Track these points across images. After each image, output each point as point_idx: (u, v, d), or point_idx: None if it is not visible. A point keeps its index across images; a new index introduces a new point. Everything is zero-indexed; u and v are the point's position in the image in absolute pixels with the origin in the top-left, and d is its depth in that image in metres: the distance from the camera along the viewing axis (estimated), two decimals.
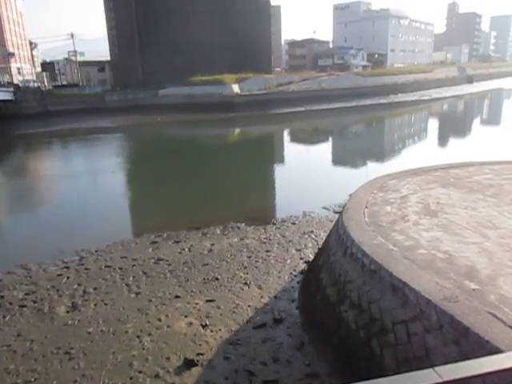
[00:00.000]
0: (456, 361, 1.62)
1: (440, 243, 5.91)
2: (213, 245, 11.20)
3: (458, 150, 27.49)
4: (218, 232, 12.37)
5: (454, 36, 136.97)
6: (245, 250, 10.68)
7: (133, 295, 8.45)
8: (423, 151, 27.93)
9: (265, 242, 11.17)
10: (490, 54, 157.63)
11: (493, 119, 48.81)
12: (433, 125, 44.94)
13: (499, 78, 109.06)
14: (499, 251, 5.63)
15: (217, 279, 8.99)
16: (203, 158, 27.09)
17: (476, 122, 46.17)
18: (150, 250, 11.14)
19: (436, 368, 1.47)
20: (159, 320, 7.38)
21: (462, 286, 4.69)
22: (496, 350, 3.54)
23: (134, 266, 9.99)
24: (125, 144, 37.28)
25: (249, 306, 7.79)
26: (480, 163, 11.21)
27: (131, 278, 9.25)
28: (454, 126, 43.24)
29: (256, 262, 9.89)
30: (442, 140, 34.20)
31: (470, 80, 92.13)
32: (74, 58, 71.14)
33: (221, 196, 17.77)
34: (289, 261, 9.88)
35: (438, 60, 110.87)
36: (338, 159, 27.45)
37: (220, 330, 6.99)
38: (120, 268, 9.87)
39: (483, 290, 4.60)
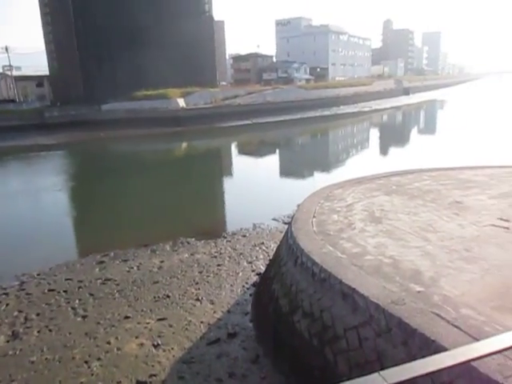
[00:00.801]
0: (404, 362, 1.66)
1: (385, 249, 6.11)
2: (162, 262, 10.96)
3: (399, 158, 28.77)
4: (168, 248, 12.13)
5: (390, 51, 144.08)
6: (196, 265, 10.53)
7: (79, 319, 8.08)
8: (366, 160, 28.99)
9: (216, 256, 11.09)
10: (423, 68, 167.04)
11: (429, 128, 51.60)
12: (374, 135, 46.79)
13: (433, 90, 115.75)
14: (440, 253, 5.90)
15: (168, 297, 8.79)
16: (150, 174, 26.60)
17: (414, 131, 48.60)
18: (97, 270, 10.73)
19: (381, 372, 1.50)
20: (108, 343, 7.09)
21: (408, 288, 4.87)
22: (442, 348, 3.69)
23: (79, 287, 9.57)
24: (67, 162, 35.89)
25: (202, 322, 7.67)
26: (419, 170, 11.77)
27: (77, 301, 8.84)
28: (394, 135, 45.26)
29: (207, 276, 9.78)
30: (384, 149, 35.68)
31: (406, 92, 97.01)
32: (9, 73, 67.90)
33: (170, 212, 17.49)
34: (241, 274, 9.85)
35: (376, 73, 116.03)
36: (286, 171, 27.88)
37: (173, 348, 6.82)
38: (65, 291, 9.41)
39: (427, 291, 4.80)
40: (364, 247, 6.17)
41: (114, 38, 61.11)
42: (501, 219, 7.34)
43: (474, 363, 3.32)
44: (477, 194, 9.01)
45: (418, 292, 4.78)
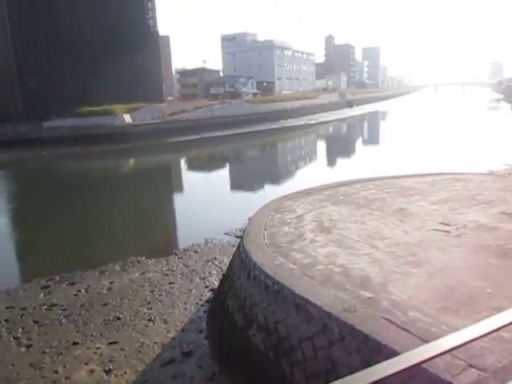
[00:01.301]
0: (359, 369, 1.69)
1: (336, 257, 6.24)
2: (112, 283, 10.58)
3: (346, 168, 29.65)
4: (118, 268, 11.75)
5: (333, 65, 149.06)
6: (147, 284, 10.26)
7: (23, 349, 7.61)
8: (315, 171, 29.65)
9: (167, 274, 10.86)
10: (364, 81, 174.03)
11: (372, 138, 53.69)
12: (322, 146, 48.03)
13: (374, 102, 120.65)
14: (387, 259, 6.10)
15: (119, 319, 8.49)
16: (97, 192, 25.78)
17: (359, 142, 50.36)
18: (42, 295, 10.18)
19: (336, 382, 1.51)
20: (56, 372, 6.72)
21: (358, 295, 4.98)
22: (393, 352, 3.79)
23: (22, 315, 9.03)
24: (5, 182, 34.09)
25: (155, 342, 7.45)
26: (365, 180, 12.16)
27: (20, 330, 8.34)
28: (340, 146, 46.66)
29: (160, 295, 9.54)
30: (331, 160, 36.67)
31: (350, 104, 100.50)
32: None
33: (119, 230, 16.99)
34: (194, 291, 9.70)
35: (321, 87, 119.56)
36: (237, 184, 27.94)
37: (125, 373, 6.57)
38: (6, 320, 8.85)
39: (377, 297, 4.93)
40: (315, 257, 6.26)
41: (56, 53, 59.21)
42: (442, 223, 7.70)
43: (424, 364, 3.44)
44: (419, 201, 9.42)
45: (369, 298, 4.90)
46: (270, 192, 21.28)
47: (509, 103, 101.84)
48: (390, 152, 35.07)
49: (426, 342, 3.68)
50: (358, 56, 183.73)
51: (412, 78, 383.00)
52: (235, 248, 9.27)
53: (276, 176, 29.55)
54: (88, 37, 61.76)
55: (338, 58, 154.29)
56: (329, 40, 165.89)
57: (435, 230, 7.38)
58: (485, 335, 1.98)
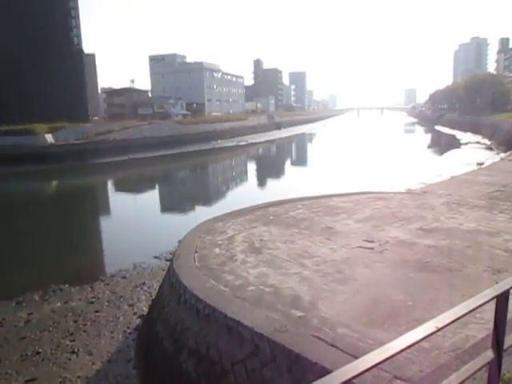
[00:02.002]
0: None
1: (267, 278, 6.28)
2: (30, 314, 9.83)
3: (275, 188, 30.22)
4: (37, 298, 10.95)
5: (261, 88, 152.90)
6: (70, 314, 9.65)
7: None
8: (245, 192, 29.92)
9: (93, 302, 10.30)
10: (292, 104, 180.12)
11: (300, 159, 55.44)
12: (252, 167, 48.69)
13: (302, 125, 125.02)
14: (316, 277, 6.25)
15: (38, 353, 7.87)
16: (14, 217, 24.04)
17: (288, 163, 51.74)
18: None
19: None
20: None
21: (289, 315, 5.03)
22: (323, 370, 3.84)
23: None
24: None
25: (79, 376, 6.98)
26: (294, 200, 12.46)
27: None
28: (270, 167, 47.59)
29: (84, 325, 9.00)
30: (261, 180, 37.24)
31: (278, 126, 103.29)
32: None
33: (39, 257, 15.89)
34: (121, 318, 9.27)
35: (250, 109, 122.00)
36: (167, 206, 27.42)
37: None
38: None
39: (307, 315, 5.01)
40: (246, 278, 6.26)
41: None
42: (366, 241, 8.06)
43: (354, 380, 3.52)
44: (345, 219, 9.81)
45: (299, 317, 4.97)
46: (201, 213, 21.10)
47: (422, 126, 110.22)
48: (318, 172, 36.34)
49: (355, 357, 3.79)
50: (286, 80, 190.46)
51: (336, 102, 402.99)
52: (165, 272, 9.03)
53: (207, 197, 29.43)
54: (7, 53, 58.42)
55: (266, 82, 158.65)
56: (257, 64, 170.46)
57: (360, 247, 7.70)
58: (408, 347, 2.08)
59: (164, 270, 11.58)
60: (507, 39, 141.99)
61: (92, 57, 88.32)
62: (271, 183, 35.08)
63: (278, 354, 4.39)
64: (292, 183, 31.68)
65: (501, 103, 79.10)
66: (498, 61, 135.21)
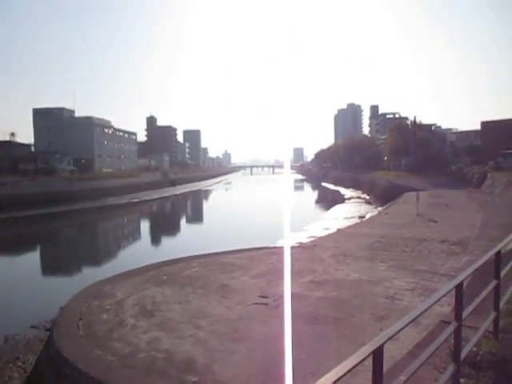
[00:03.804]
0: None
1: (159, 342, 5.93)
2: None
3: (170, 246, 29.48)
4: None
5: (155, 144, 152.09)
6: None
7: None
8: (138, 251, 28.69)
9: None
10: (187, 161, 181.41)
11: (196, 216, 55.25)
12: (145, 225, 47.20)
13: (197, 182, 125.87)
14: (211, 338, 6.06)
15: None
16: None
17: (183, 220, 51.15)
18: None
19: None
20: None
21: (183, 380, 4.76)
22: None
23: None
24: None
25: None
26: (188, 258, 12.22)
27: None
28: (164, 224, 46.56)
29: None
30: (155, 238, 36.12)
31: (173, 183, 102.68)
32: None
33: None
34: None
35: (144, 165, 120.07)
36: (49, 269, 25.11)
37: None
38: None
39: (202, 380, 4.79)
40: (137, 345, 5.85)
41: None
42: (261, 296, 8.11)
43: None
44: (240, 276, 9.82)
45: (194, 382, 4.73)
46: (89, 276, 19.62)
47: (309, 183, 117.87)
48: (212, 229, 36.39)
49: None
50: (180, 137, 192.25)
51: (231, 159, 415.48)
52: (44, 343, 8.09)
53: (96, 258, 27.59)
54: None
55: (160, 138, 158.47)
56: (150, 121, 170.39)
57: (255, 303, 7.71)
58: None
59: (43, 340, 10.37)
60: (377, 106, 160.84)
61: None
62: (165, 241, 34.20)
63: None
64: (187, 240, 31.24)
65: (375, 162, 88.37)
66: (370, 125, 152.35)
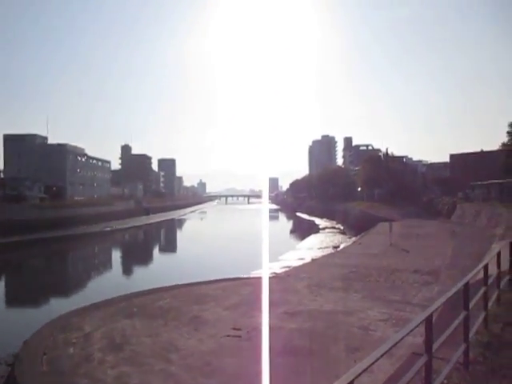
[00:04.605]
0: None
1: (128, 378, 5.72)
2: None
3: (142, 276, 28.79)
4: None
5: (130, 173, 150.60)
6: None
7: None
8: (109, 281, 27.91)
9: None
10: (161, 190, 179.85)
11: (169, 245, 54.44)
12: (117, 254, 46.12)
13: (171, 211, 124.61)
14: (182, 373, 5.87)
15: None
16: None
17: (156, 249, 50.28)
18: None
19: None
20: None
21: None
22: None
23: None
24: None
25: None
26: (161, 289, 11.97)
27: None
28: (137, 254, 45.60)
29: None
30: (127, 268, 35.29)
31: (147, 212, 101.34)
32: None
33: None
34: None
35: (117, 194, 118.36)
36: (13, 301, 24.11)
37: None
38: None
39: None
40: (104, 381, 5.62)
41: None
42: (234, 328, 7.96)
43: None
44: (213, 307, 9.65)
45: None
46: (56, 308, 18.90)
47: (284, 213, 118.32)
48: (186, 258, 35.86)
49: None
50: (155, 166, 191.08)
51: (206, 189, 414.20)
52: (4, 380, 7.69)
53: (64, 289, 26.66)
54: None
55: (135, 167, 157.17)
56: (125, 149, 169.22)
57: (228, 335, 7.56)
58: None
59: (3, 377, 9.83)
60: (351, 138, 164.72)
61: None
62: (137, 271, 33.42)
63: None
64: (160, 271, 30.62)
65: (350, 192, 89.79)
66: (344, 156, 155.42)
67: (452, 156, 74.76)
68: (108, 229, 65.87)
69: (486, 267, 6.50)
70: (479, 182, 52.86)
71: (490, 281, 6.96)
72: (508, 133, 49.21)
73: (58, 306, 19.88)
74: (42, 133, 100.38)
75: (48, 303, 21.91)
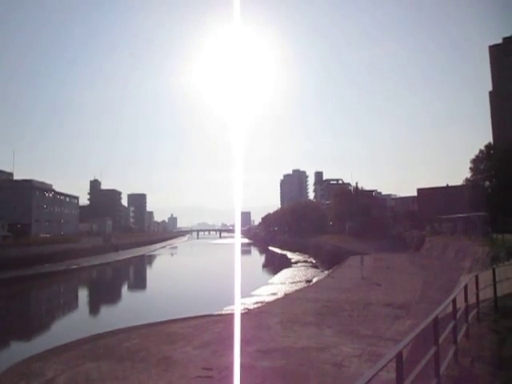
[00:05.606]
0: None
1: None
2: None
3: (109, 316, 27.77)
4: None
5: (99, 208, 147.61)
6: None
7: None
8: (73, 323, 26.76)
9: None
10: (131, 226, 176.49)
11: (138, 282, 53.03)
12: (83, 293, 44.51)
13: (141, 246, 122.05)
14: None
15: None
16: None
17: (124, 287, 48.84)
18: None
19: None
20: None
21: None
22: None
23: None
24: None
25: None
26: (128, 329, 11.56)
27: None
28: (104, 292, 44.13)
29: None
30: (93, 309, 34.00)
31: (116, 248, 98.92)
32: None
33: None
34: None
35: (85, 230, 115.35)
36: None
37: None
38: None
39: None
40: None
41: None
42: (205, 369, 7.71)
43: None
44: (183, 346, 9.35)
45: None
46: (17, 352, 17.86)
47: (257, 247, 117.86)
48: (156, 296, 34.93)
49: None
50: (125, 201, 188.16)
51: (177, 224, 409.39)
52: None
53: (25, 332, 25.31)
54: None
55: (104, 202, 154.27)
56: (94, 184, 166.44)
57: (199, 376, 7.31)
58: None
59: None
60: (321, 173, 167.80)
61: None
62: (104, 311, 32.23)
63: None
64: (128, 310, 29.61)
65: (321, 226, 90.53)
66: (315, 190, 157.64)
67: (419, 190, 76.87)
68: (74, 266, 63.85)
69: (454, 301, 6.59)
70: (446, 216, 54.32)
71: (459, 314, 7.03)
72: (470, 169, 51.23)
73: (18, 351, 18.78)
74: (7, 169, 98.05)
75: (8, 348, 20.70)
